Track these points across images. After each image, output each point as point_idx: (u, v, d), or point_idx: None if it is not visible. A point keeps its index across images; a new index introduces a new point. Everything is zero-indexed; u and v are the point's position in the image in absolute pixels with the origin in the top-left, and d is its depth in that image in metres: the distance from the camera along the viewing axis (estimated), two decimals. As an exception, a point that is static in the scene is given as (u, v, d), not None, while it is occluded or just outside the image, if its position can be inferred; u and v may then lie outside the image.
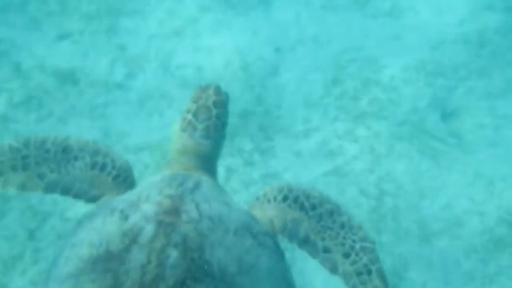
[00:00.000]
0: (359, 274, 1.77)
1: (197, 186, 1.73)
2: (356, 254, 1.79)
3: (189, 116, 1.93)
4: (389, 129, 3.62)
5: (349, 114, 3.72)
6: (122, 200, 1.69)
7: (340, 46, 4.23)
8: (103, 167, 1.89)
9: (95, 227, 1.61)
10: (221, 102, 1.95)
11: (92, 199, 1.86)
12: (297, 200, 1.84)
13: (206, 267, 1.47)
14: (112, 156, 1.91)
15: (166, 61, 3.89)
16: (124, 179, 1.88)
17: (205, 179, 1.82)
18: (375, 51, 4.23)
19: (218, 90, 1.97)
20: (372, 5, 4.55)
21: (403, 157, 3.54)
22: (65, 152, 1.89)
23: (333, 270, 1.79)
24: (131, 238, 1.51)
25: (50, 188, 1.86)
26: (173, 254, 1.46)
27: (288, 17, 4.41)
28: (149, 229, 1.52)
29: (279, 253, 1.74)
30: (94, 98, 3.47)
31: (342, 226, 1.83)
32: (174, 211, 1.57)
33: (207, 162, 1.94)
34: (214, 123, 1.93)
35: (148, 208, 1.58)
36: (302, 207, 1.84)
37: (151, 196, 1.64)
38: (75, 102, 3.48)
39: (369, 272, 1.76)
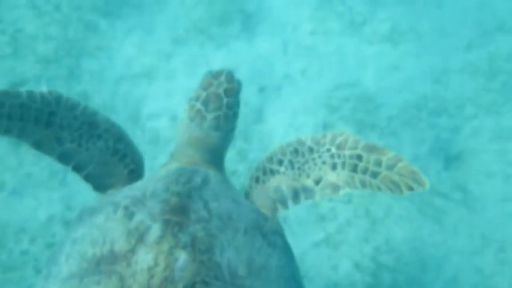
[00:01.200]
0: (361, 170, 1.61)
1: (205, 182, 1.64)
2: (339, 156, 1.66)
3: (198, 105, 1.81)
4: (387, 184, 3.22)
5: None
6: (126, 195, 1.60)
7: (332, 81, 3.76)
8: (122, 157, 1.77)
9: (97, 223, 1.53)
10: (233, 91, 1.82)
11: (100, 187, 1.74)
12: (265, 171, 1.76)
13: (216, 270, 1.41)
14: (132, 147, 1.80)
15: (136, 110, 3.44)
16: (138, 176, 1.78)
17: (213, 173, 1.71)
18: (371, 86, 3.78)
19: (230, 77, 1.83)
20: (368, 28, 4.05)
21: (403, 220, 3.16)
22: (91, 127, 1.75)
23: (336, 189, 1.67)
24: (137, 238, 1.44)
25: (64, 158, 1.71)
26: (182, 256, 1.40)
27: (273, 47, 3.92)
28: (155, 229, 1.45)
29: (289, 252, 1.67)
30: (53, 163, 3.05)
31: (310, 150, 1.72)
32: (182, 209, 1.50)
33: (216, 155, 1.83)
34: (225, 113, 1.80)
35: (154, 205, 1.51)
36: (272, 172, 1.75)
37: (157, 193, 1.56)
38: (31, 169, 3.10)
39: (360, 158, 1.61)
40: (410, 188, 1.53)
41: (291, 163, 1.73)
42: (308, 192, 1.70)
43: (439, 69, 3.86)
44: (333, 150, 1.66)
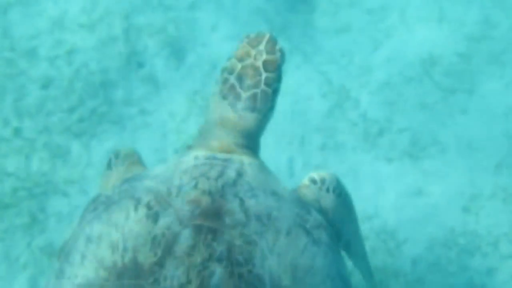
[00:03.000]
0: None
1: (240, 174, 1.48)
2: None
3: (232, 79, 1.59)
4: None
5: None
6: (147, 188, 1.43)
7: (346, 211, 3.27)
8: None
9: (116, 221, 1.38)
10: (274, 63, 1.58)
11: None
12: (346, 200, 1.74)
13: (257, 284, 1.28)
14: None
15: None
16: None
17: (248, 161, 1.55)
18: (392, 217, 3.26)
19: (272, 46, 1.58)
20: (385, 141, 3.55)
21: None
22: None
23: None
24: (164, 247, 1.29)
25: None
26: (218, 270, 1.27)
27: (279, 165, 3.40)
28: (185, 236, 1.31)
29: (334, 246, 1.55)
30: None
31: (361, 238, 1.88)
32: (215, 212, 1.36)
33: (251, 138, 1.63)
34: (263, 91, 1.59)
35: (182, 206, 1.36)
36: (349, 210, 1.74)
37: (185, 189, 1.40)
38: None
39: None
40: None
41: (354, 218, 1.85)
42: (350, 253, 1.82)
43: (467, 194, 3.36)
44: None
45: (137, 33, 3.59)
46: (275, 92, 1.63)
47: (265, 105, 1.59)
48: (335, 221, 1.64)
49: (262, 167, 1.60)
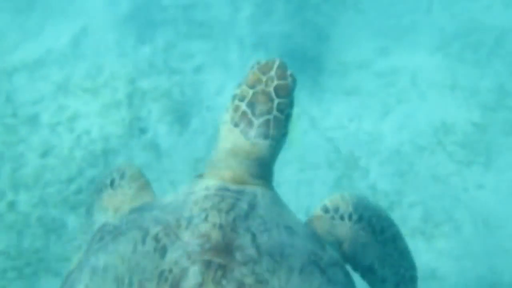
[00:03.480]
0: None
1: (252, 206, 1.42)
2: (405, 285, 1.69)
3: (243, 106, 1.54)
4: None
5: None
6: (155, 218, 1.37)
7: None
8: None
9: (122, 253, 1.30)
10: (286, 89, 1.54)
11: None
12: (371, 222, 1.63)
13: None
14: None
15: None
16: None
17: (261, 193, 1.49)
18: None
19: (282, 71, 1.55)
20: (396, 216, 3.25)
21: None
22: (87, 212, 1.79)
23: None
24: (171, 283, 1.22)
25: None
26: None
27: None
28: (194, 273, 1.22)
29: (350, 286, 1.46)
30: None
31: (401, 253, 1.69)
32: (225, 247, 1.27)
33: (264, 167, 1.57)
34: (276, 117, 1.53)
35: (191, 240, 1.28)
36: (374, 231, 1.64)
37: (194, 222, 1.33)
38: None
39: None
40: None
41: (385, 242, 1.66)
42: (371, 279, 1.66)
43: (487, 281, 3.16)
44: (407, 276, 1.72)
45: (141, 97, 3.54)
46: (288, 118, 1.58)
47: (278, 132, 1.54)
48: (354, 249, 1.57)
49: (276, 199, 1.54)
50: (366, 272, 1.62)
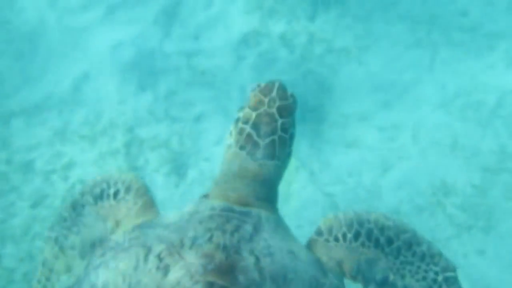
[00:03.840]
0: None
1: (257, 229, 1.41)
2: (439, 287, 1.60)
3: (248, 129, 1.55)
4: None
5: None
6: (159, 236, 1.34)
7: None
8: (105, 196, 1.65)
9: (124, 270, 1.29)
10: (288, 109, 1.57)
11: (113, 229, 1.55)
12: (371, 235, 1.57)
13: None
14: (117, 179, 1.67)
15: None
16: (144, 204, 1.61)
17: (265, 216, 1.48)
18: None
19: (283, 92, 1.60)
20: None
21: None
22: (74, 209, 1.69)
23: None
24: None
25: (81, 253, 1.57)
26: None
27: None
28: None
29: None
30: None
31: (423, 257, 1.60)
32: (229, 268, 1.26)
33: (270, 188, 1.57)
34: (280, 137, 1.56)
35: (194, 260, 1.27)
36: (377, 243, 1.57)
37: (198, 242, 1.31)
38: None
39: None
40: None
41: (398, 251, 1.58)
42: None
43: None
44: (440, 278, 1.58)
45: (139, 146, 3.50)
46: (292, 137, 1.61)
47: (283, 151, 1.57)
48: (357, 267, 1.53)
49: (280, 222, 1.54)
50: (382, 287, 1.56)
